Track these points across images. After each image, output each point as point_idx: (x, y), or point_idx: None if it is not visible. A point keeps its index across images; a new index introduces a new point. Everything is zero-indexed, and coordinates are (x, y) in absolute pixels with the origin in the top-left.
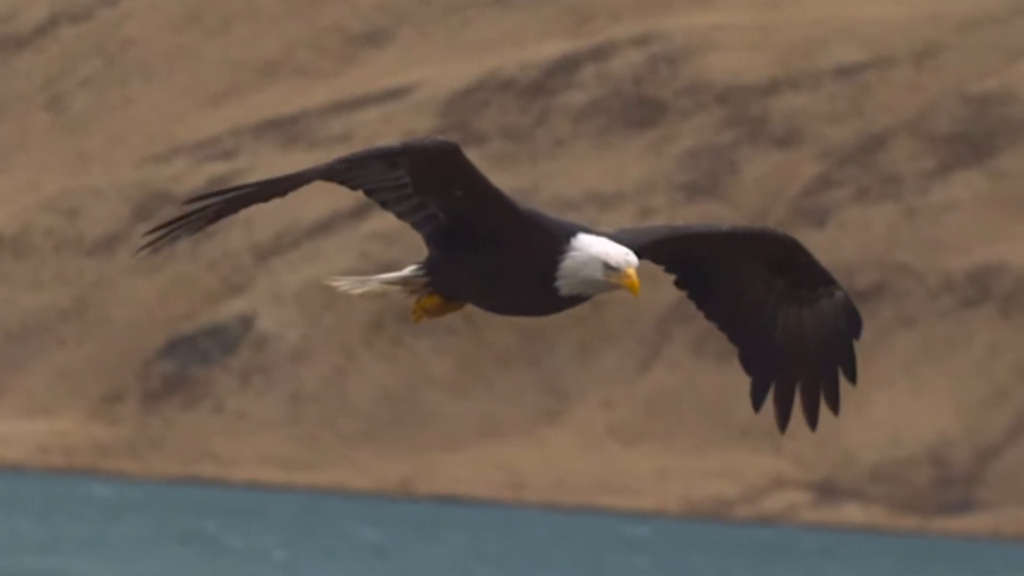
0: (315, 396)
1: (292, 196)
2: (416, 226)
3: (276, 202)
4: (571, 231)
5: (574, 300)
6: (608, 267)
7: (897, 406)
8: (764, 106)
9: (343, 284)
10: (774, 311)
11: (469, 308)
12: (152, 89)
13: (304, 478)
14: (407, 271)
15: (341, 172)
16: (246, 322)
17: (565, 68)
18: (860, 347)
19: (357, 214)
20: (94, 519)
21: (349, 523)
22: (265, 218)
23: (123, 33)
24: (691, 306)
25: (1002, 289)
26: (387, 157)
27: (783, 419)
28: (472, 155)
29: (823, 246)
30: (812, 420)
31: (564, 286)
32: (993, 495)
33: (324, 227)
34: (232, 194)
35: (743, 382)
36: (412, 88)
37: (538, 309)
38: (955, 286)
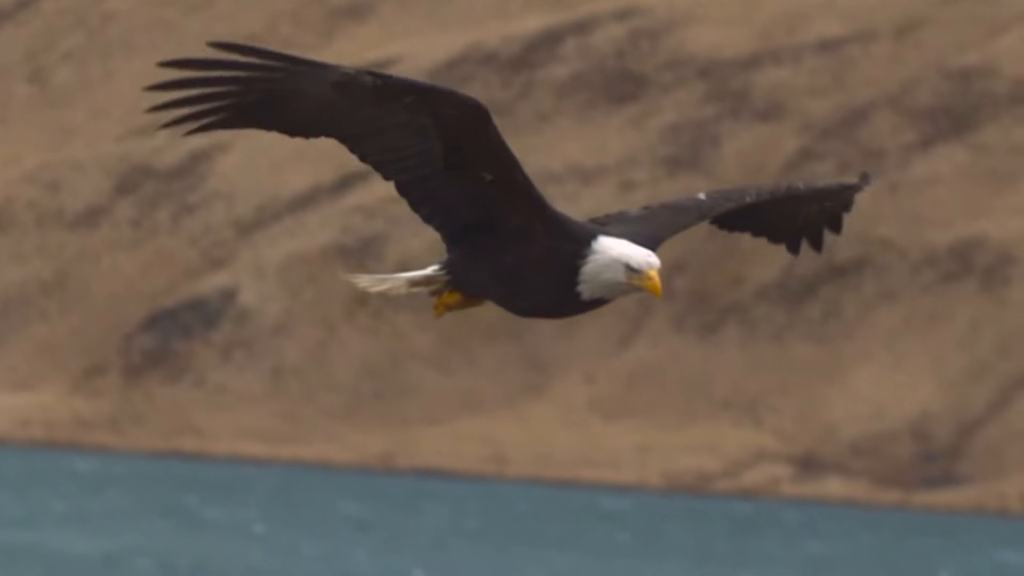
0: (297, 370)
1: (273, 169)
2: (433, 217)
3: (256, 176)
4: (592, 234)
5: (596, 303)
6: (630, 269)
7: (879, 380)
8: (745, 80)
9: (363, 281)
10: (802, 224)
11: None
12: (134, 63)
13: (286, 452)
14: (429, 270)
15: (369, 95)
16: (228, 296)
17: (547, 42)
18: (841, 323)
19: (339, 188)
20: (75, 493)
21: (330, 497)
22: (246, 192)
23: (105, 7)
24: (673, 281)
25: (984, 263)
26: (419, 93)
27: (817, 244)
28: None
29: None
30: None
31: (586, 290)
32: (975, 469)
33: (306, 201)
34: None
35: (725, 357)
36: (394, 62)
37: (560, 311)
38: (937, 260)
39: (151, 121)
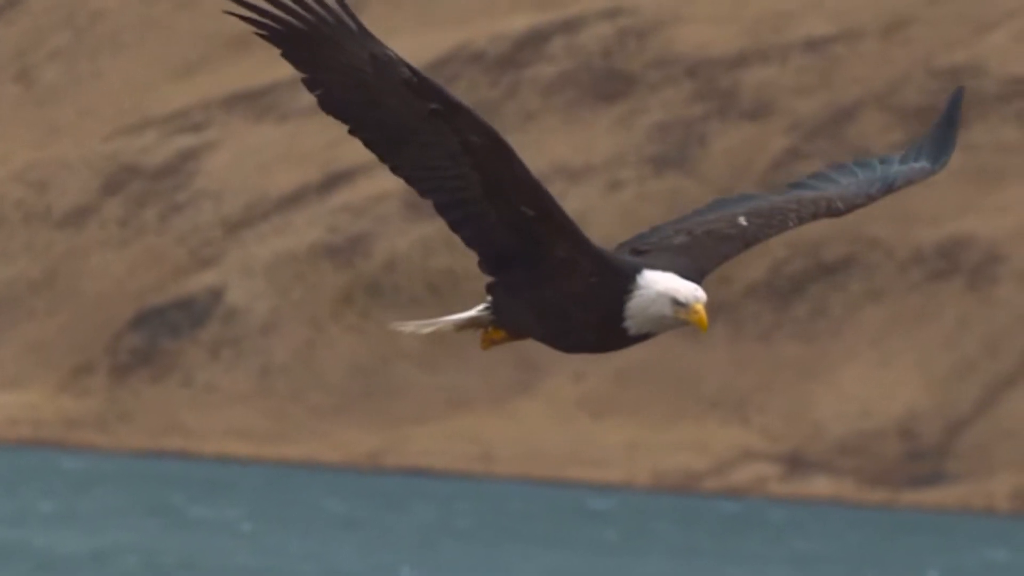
0: (284, 369)
1: (261, 169)
2: (473, 241)
3: (244, 175)
4: (636, 267)
5: (642, 338)
6: (677, 303)
7: (866, 379)
8: (733, 79)
9: (409, 327)
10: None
11: (436, 279)
12: (122, 61)
13: (273, 451)
14: (474, 311)
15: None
16: (216, 295)
17: (534, 41)
18: (828, 321)
19: (326, 187)
20: (63, 492)
21: (318, 496)
22: (234, 191)
23: (93, 5)
24: None
25: (971, 262)
26: (446, 102)
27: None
28: None
29: None
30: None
31: (633, 325)
32: (962, 468)
33: (293, 200)
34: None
35: (712, 355)
36: None
37: (607, 347)
38: (924, 259)
39: (139, 119)
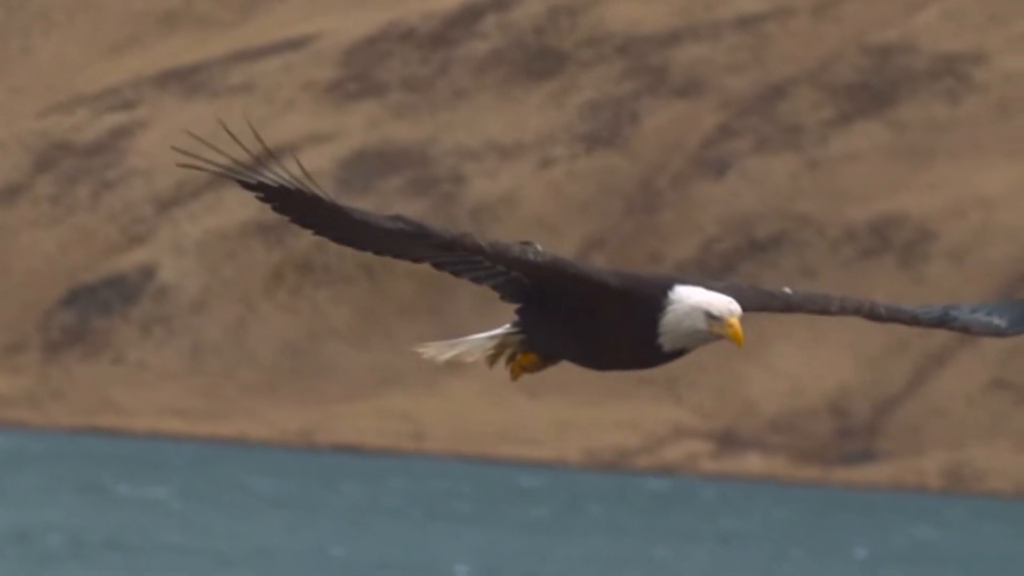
0: (216, 347)
1: (192, 146)
2: (497, 289)
3: (175, 153)
4: (668, 283)
5: (678, 354)
6: (711, 317)
7: (798, 357)
8: (664, 57)
9: (430, 351)
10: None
11: (367, 258)
12: (53, 39)
13: (205, 429)
14: (501, 331)
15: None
16: (147, 273)
17: (466, 18)
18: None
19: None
20: None
21: (249, 474)
22: (165, 169)
23: None
24: (591, 257)
25: (903, 240)
26: (522, 267)
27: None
28: (372, 105)
29: (723, 196)
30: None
31: (667, 341)
32: (893, 446)
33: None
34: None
35: None
36: (313, 38)
37: (642, 364)
38: (856, 237)
39: (70, 97)
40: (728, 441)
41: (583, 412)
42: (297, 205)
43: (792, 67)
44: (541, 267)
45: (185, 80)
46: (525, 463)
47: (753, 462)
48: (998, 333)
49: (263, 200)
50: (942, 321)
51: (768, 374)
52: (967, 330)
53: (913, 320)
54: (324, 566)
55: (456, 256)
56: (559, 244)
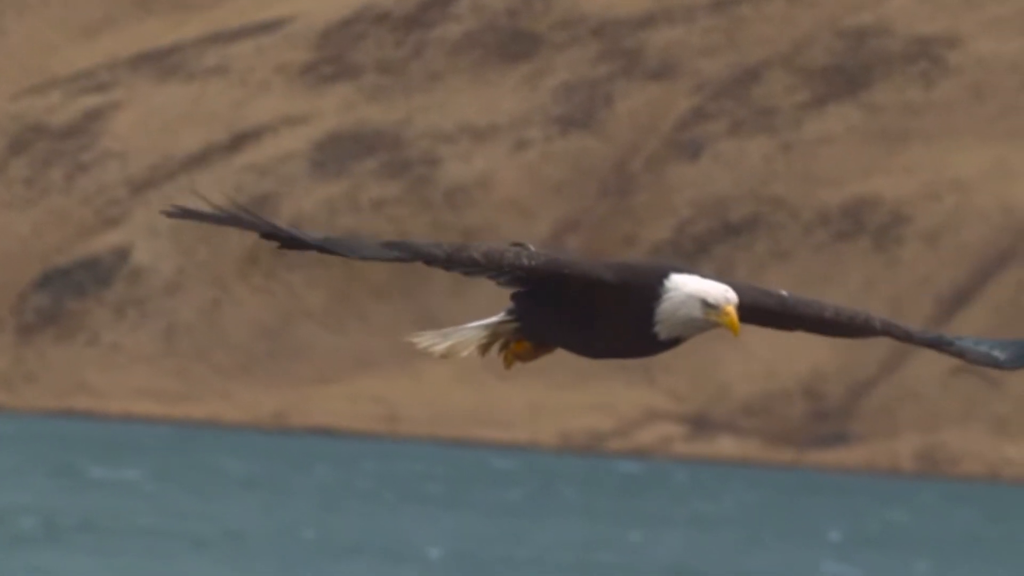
0: (189, 329)
1: (166, 129)
2: (499, 284)
3: (150, 135)
4: (663, 271)
5: (674, 343)
6: (707, 305)
7: (771, 340)
8: (639, 39)
9: (424, 341)
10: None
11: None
12: (27, 21)
13: (179, 411)
14: (495, 319)
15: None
16: (121, 255)
17: (440, 1)
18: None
19: (232, 147)
20: None
21: (223, 456)
22: (140, 151)
23: None
24: (565, 239)
25: (876, 222)
26: (512, 271)
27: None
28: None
29: (697, 179)
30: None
31: (663, 330)
32: (866, 429)
33: (198, 160)
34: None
35: None
36: (287, 20)
37: (638, 353)
38: (829, 219)
39: (44, 79)
40: (701, 424)
41: (557, 395)
42: (297, 245)
43: (766, 50)
44: (536, 270)
45: (160, 62)
46: (499, 446)
47: (726, 445)
48: (996, 365)
49: (264, 239)
50: (938, 343)
51: (742, 357)
52: (963, 356)
53: (906, 337)
54: (297, 548)
55: (455, 269)
56: (533, 226)
